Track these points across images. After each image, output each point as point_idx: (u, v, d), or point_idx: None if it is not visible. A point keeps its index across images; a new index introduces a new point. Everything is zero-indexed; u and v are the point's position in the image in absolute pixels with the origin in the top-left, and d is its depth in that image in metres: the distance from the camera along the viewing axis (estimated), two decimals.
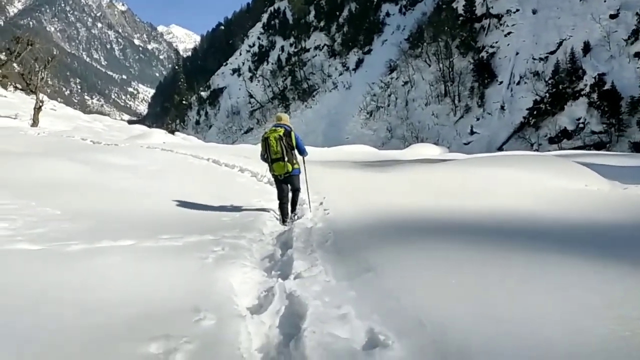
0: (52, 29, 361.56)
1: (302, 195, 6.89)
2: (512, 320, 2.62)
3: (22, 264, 3.57)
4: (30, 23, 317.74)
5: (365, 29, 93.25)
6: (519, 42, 61.16)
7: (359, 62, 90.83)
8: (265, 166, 6.77)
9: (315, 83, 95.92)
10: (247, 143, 49.48)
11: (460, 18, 70.68)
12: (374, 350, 2.38)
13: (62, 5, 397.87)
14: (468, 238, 4.65)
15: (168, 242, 4.58)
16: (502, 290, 3.11)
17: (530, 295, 2.99)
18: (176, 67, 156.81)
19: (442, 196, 7.48)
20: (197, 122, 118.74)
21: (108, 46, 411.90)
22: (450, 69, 68.08)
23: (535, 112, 52.42)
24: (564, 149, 40.69)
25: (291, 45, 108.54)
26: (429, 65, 72.39)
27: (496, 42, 64.42)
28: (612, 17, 50.76)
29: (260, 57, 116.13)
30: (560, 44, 54.81)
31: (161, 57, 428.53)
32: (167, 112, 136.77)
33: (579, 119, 47.32)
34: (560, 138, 47.69)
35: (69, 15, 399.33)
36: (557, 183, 8.25)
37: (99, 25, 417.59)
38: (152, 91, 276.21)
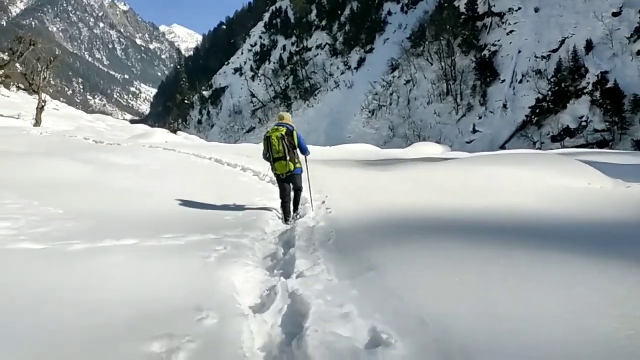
0: (54, 28, 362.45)
1: (304, 193, 6.89)
2: (514, 319, 2.62)
3: (24, 263, 3.58)
4: (33, 23, 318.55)
5: (367, 27, 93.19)
6: (521, 40, 61.02)
7: (361, 61, 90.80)
8: (267, 165, 6.77)
9: (317, 82, 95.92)
10: (249, 142, 49.52)
11: (462, 16, 70.55)
12: (377, 349, 2.38)
13: (64, 5, 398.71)
14: (470, 237, 4.64)
15: (170, 241, 4.58)
16: (505, 288, 3.10)
17: (533, 294, 2.98)
18: (178, 67, 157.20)
19: (444, 195, 7.47)
20: (199, 122, 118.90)
21: (110, 46, 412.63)
22: (452, 68, 67.97)
23: (537, 111, 52.30)
24: (567, 147, 40.59)
25: (293, 44, 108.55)
26: (431, 64, 72.29)
27: (498, 41, 64.28)
28: (615, 14, 50.61)
29: (262, 56, 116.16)
30: (562, 42, 54.64)
31: (163, 56, 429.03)
32: (169, 111, 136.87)
33: (581, 117, 47.18)
34: (562, 136, 47.58)
35: (71, 15, 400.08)
36: (559, 181, 8.24)
37: (101, 25, 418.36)
38: (154, 91, 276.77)
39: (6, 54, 34.33)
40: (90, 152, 12.60)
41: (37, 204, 5.94)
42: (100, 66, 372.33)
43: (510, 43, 62.33)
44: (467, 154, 23.46)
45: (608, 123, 44.53)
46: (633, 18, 47.89)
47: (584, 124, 46.81)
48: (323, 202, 7.06)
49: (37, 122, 30.99)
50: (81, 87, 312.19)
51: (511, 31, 63.27)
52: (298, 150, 6.53)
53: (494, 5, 67.20)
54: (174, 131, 48.04)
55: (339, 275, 3.62)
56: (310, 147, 7.19)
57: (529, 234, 4.76)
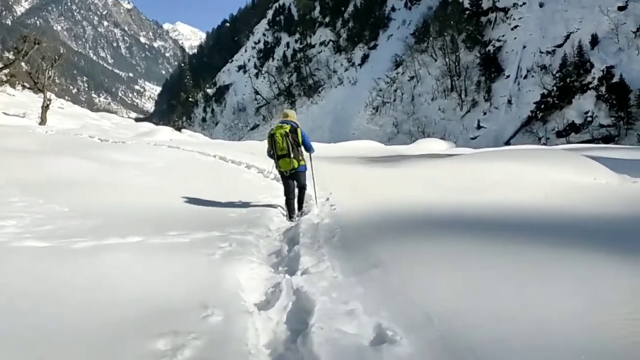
0: (59, 27, 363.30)
1: (309, 190, 6.88)
2: (521, 315, 2.60)
3: (29, 262, 3.59)
4: (37, 22, 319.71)
5: (370, 24, 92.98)
6: (526, 36, 60.76)
7: (365, 58, 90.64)
8: (271, 162, 6.76)
9: (321, 79, 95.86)
10: (253, 139, 49.53)
11: (467, 12, 70.34)
12: (382, 346, 2.36)
13: (69, 4, 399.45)
14: (475, 233, 4.62)
15: (175, 239, 4.58)
16: (511, 284, 3.08)
17: (540, 290, 2.95)
18: (182, 65, 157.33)
19: (448, 191, 7.44)
20: (204, 119, 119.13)
21: (114, 44, 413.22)
22: (456, 64, 67.79)
23: (542, 106, 52.12)
24: (572, 142, 40.40)
25: (296, 41, 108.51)
26: (435, 60, 72.10)
27: (503, 36, 64.05)
28: (621, 9, 50.29)
29: (266, 53, 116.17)
30: (567, 37, 54.37)
31: (167, 54, 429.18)
32: (173, 109, 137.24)
33: (587, 112, 46.98)
34: (568, 132, 47.40)
35: (75, 13, 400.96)
36: (565, 177, 8.19)
37: (105, 23, 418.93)
38: (158, 89, 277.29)
39: (11, 53, 34.51)
40: (95, 150, 12.64)
41: (43, 202, 5.96)
42: (105, 65, 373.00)
43: (515, 38, 62.08)
44: (472, 150, 23.41)
45: (614, 118, 44.34)
46: (639, 12, 47.49)
47: (589, 119, 46.61)
48: (327, 199, 7.04)
49: (43, 120, 31.15)
50: (86, 85, 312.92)
51: (516, 26, 63.01)
52: (302, 148, 6.52)
53: (499, 1, 66.94)
54: (179, 129, 48.26)
55: (344, 272, 3.61)
56: (314, 144, 7.19)
57: (536, 230, 4.73)
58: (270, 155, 6.55)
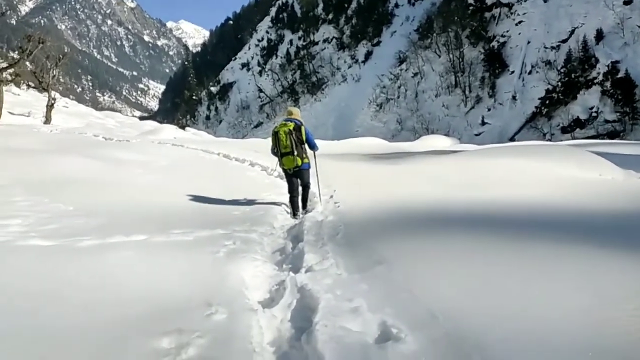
0: (63, 26, 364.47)
1: (313, 188, 6.88)
2: (527, 312, 2.58)
3: (34, 260, 3.60)
4: (42, 21, 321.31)
5: (374, 20, 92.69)
6: (530, 31, 60.44)
7: (368, 54, 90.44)
8: (275, 160, 6.77)
9: (325, 76, 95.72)
10: (257, 137, 49.58)
11: (470, 7, 70.04)
12: (387, 344, 2.35)
13: (72, 3, 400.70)
14: (480, 229, 4.61)
15: (179, 237, 4.59)
16: (516, 281, 3.06)
17: (545, 287, 2.93)
18: (186, 63, 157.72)
19: (453, 188, 7.42)
20: (208, 117, 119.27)
21: (118, 43, 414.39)
22: (460, 60, 67.50)
23: (547, 102, 51.86)
24: (577, 138, 40.24)
25: (300, 38, 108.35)
26: (439, 56, 71.83)
27: (507, 32, 63.72)
28: (626, 3, 49.91)
29: (269, 51, 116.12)
30: (572, 32, 54.04)
31: (171, 53, 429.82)
32: (177, 107, 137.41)
33: (592, 107, 46.71)
34: (573, 127, 47.16)
35: (79, 12, 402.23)
36: (570, 173, 8.15)
37: (109, 22, 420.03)
38: (162, 87, 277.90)
39: (16, 52, 34.57)
40: (99, 149, 12.67)
41: (48, 200, 5.98)
42: (109, 63, 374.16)
43: (519, 34, 61.77)
44: (476, 146, 23.33)
45: (619, 113, 44.07)
46: None
47: (594, 114, 46.34)
48: (331, 197, 7.04)
49: (47, 119, 31.30)
50: (90, 84, 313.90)
51: (520, 22, 62.69)
52: (306, 146, 6.52)
53: None
54: (183, 127, 48.32)
55: (348, 270, 3.60)
56: (318, 142, 7.17)
57: (540, 226, 4.70)
58: (274, 153, 6.56)
